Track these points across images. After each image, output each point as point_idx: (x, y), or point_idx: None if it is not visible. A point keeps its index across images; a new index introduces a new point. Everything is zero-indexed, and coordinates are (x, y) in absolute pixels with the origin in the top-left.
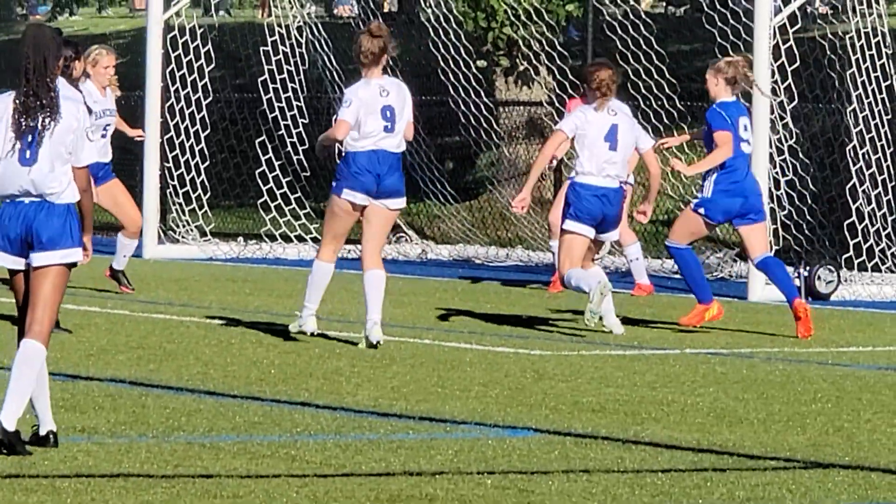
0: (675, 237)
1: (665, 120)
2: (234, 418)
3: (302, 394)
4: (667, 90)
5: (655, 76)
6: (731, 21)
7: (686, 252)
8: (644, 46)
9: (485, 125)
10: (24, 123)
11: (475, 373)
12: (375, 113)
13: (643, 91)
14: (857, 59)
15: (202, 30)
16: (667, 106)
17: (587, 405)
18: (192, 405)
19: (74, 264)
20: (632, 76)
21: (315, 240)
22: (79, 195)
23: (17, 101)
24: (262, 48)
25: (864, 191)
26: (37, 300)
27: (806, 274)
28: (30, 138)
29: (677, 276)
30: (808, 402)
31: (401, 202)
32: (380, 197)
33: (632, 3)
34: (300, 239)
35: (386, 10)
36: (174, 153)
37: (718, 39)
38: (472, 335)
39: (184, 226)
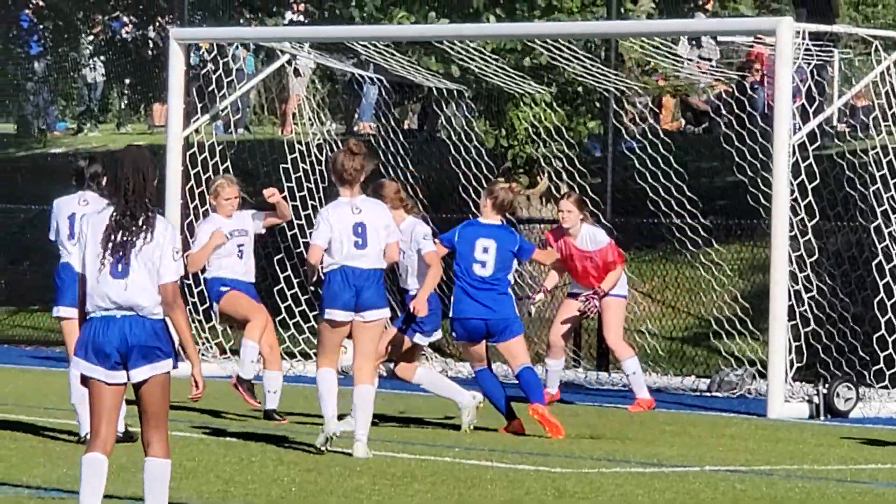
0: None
1: (690, 234)
2: None
3: None
4: (688, 206)
5: (675, 193)
6: (749, 141)
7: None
8: (662, 165)
9: None
10: (115, 239)
11: (496, 490)
12: (347, 231)
13: (663, 208)
14: (882, 175)
15: (221, 146)
16: (689, 221)
17: None
18: None
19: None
20: (650, 193)
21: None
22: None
23: (113, 218)
24: (281, 165)
25: (893, 305)
26: (148, 417)
27: (825, 391)
28: (120, 253)
29: (697, 392)
30: None
31: (378, 313)
32: (359, 311)
33: (650, 121)
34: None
35: (406, 126)
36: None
37: (736, 158)
38: (492, 453)
39: (203, 343)
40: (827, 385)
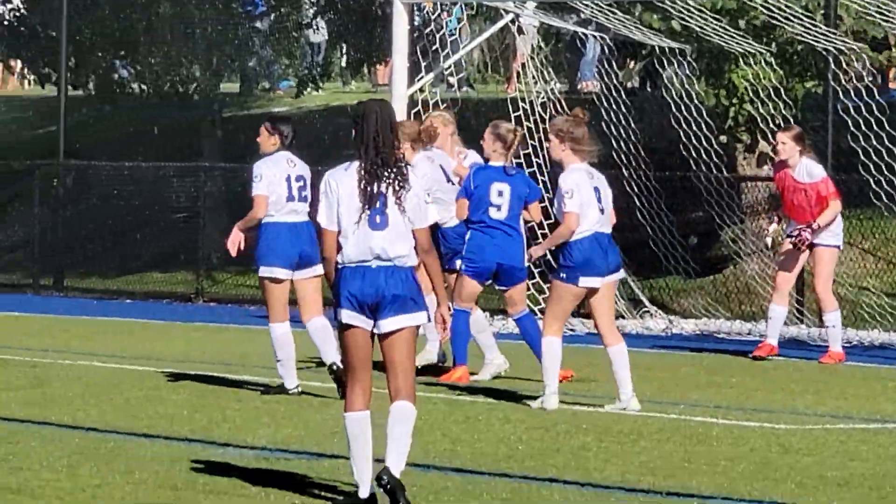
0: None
1: None
2: (482, 496)
3: (550, 470)
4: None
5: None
6: None
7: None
8: (887, 126)
9: (727, 200)
10: (372, 191)
11: (721, 447)
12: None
13: (885, 169)
14: None
15: (445, 105)
16: None
17: (832, 479)
18: (440, 483)
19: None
20: (871, 153)
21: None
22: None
23: (366, 171)
24: None
25: None
26: (395, 367)
27: None
28: (378, 205)
29: None
30: None
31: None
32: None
33: (867, 81)
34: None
35: (629, 86)
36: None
37: None
38: (717, 409)
39: None
40: None
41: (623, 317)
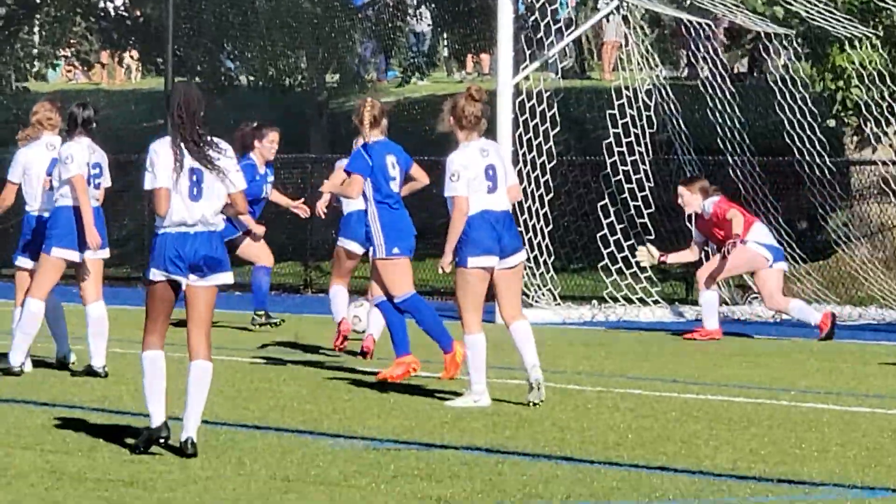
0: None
1: None
2: (592, 484)
3: (660, 458)
4: None
5: None
6: None
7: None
8: None
9: (834, 185)
10: (183, 162)
11: (832, 433)
12: (480, 175)
13: None
14: None
15: (548, 93)
16: None
17: None
18: (549, 471)
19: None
20: None
21: (655, 302)
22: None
23: (175, 145)
24: (608, 111)
25: None
26: (199, 323)
27: None
28: (190, 174)
29: None
30: None
31: (521, 256)
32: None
33: None
34: (642, 301)
35: (735, 71)
36: (523, 217)
37: None
38: (828, 395)
39: (536, 290)
40: None
41: (726, 303)
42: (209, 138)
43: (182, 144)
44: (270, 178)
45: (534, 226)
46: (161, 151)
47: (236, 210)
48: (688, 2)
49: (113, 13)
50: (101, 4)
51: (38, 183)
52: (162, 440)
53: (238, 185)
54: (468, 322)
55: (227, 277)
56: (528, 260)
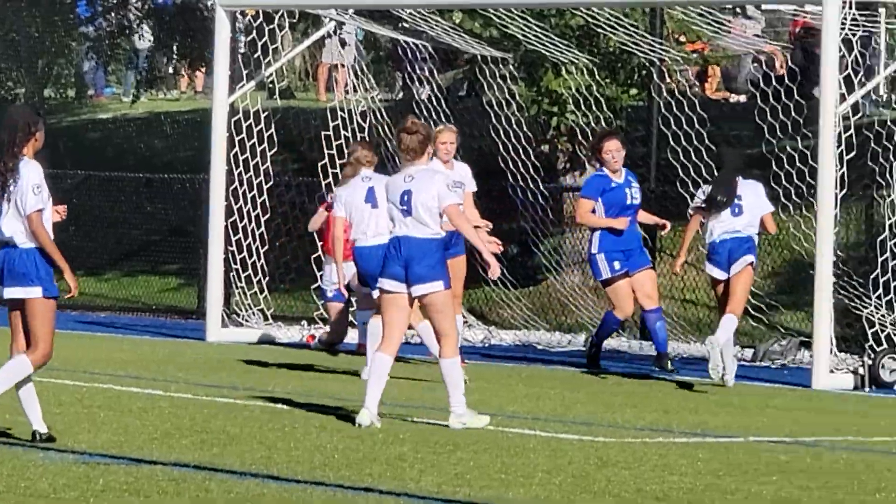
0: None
1: None
2: None
3: (366, 479)
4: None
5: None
6: (794, 114)
7: None
8: (703, 135)
9: (548, 210)
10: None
11: (539, 459)
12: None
13: (704, 174)
14: None
15: (266, 113)
16: None
17: (650, 493)
18: (256, 490)
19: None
20: (682, 158)
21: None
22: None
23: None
24: (323, 132)
25: None
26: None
27: (870, 362)
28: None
29: (741, 362)
30: (873, 492)
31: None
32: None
33: (690, 90)
34: (351, 325)
35: (451, 93)
36: (237, 237)
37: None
38: (535, 421)
39: (247, 309)
40: (872, 356)
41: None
42: (17, 162)
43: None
44: None
45: (248, 245)
46: None
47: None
48: (408, 23)
49: None
50: None
51: None
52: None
53: (28, 208)
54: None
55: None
56: (240, 279)
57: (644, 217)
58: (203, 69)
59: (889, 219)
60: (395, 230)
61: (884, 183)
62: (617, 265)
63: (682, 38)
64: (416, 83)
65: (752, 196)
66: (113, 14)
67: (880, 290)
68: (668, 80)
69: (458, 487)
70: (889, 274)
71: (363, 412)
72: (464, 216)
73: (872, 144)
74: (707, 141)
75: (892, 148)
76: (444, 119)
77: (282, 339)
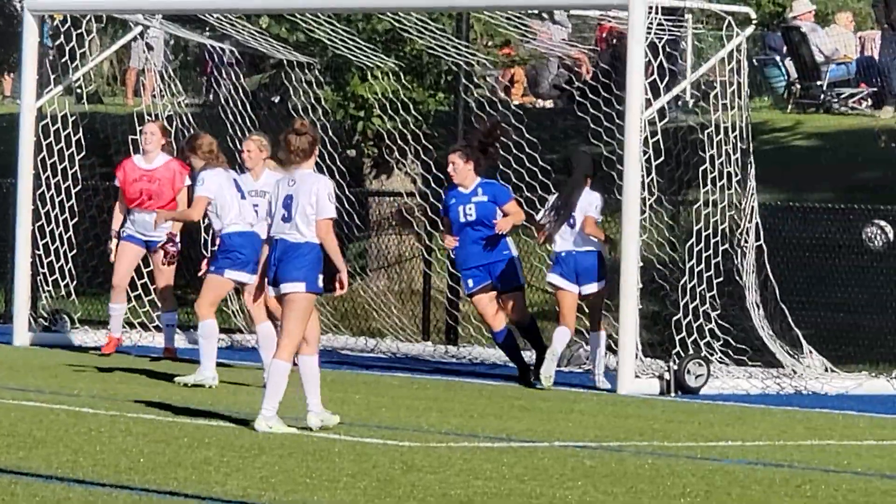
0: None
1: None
2: None
3: (171, 483)
4: (526, 179)
5: (528, 165)
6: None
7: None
8: (514, 138)
9: (353, 214)
10: None
11: (344, 463)
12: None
13: (514, 180)
14: (711, 155)
15: (74, 118)
16: (540, 194)
17: (455, 497)
18: (62, 493)
19: None
20: (501, 167)
21: (157, 328)
22: None
23: None
24: (131, 137)
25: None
26: None
27: (676, 367)
28: None
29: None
30: (678, 497)
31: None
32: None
33: (497, 95)
34: (157, 329)
35: (257, 97)
36: (44, 241)
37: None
38: (340, 426)
39: (54, 313)
40: (678, 361)
41: (241, 331)
42: None
43: None
44: None
45: (56, 249)
46: None
47: None
48: (215, 27)
49: None
50: None
51: None
52: None
53: None
54: None
55: None
56: (47, 283)
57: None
58: (10, 74)
59: (696, 224)
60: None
61: (689, 188)
62: (471, 283)
63: (490, 42)
64: (223, 88)
65: (584, 203)
66: None
67: (687, 297)
68: (474, 83)
69: (263, 491)
70: (696, 279)
71: (259, 419)
72: (332, 233)
73: (678, 149)
74: (514, 148)
75: (697, 153)
76: (249, 124)
77: (88, 342)
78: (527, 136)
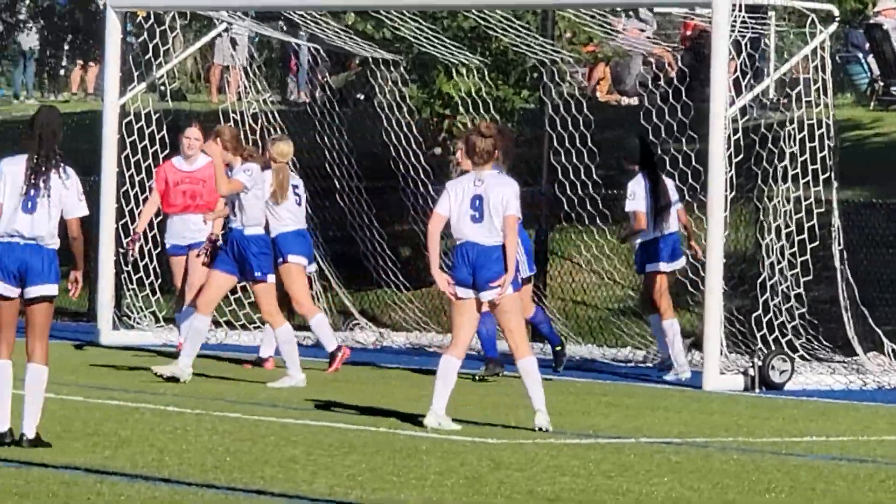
0: None
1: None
2: None
3: (258, 481)
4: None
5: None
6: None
7: None
8: (596, 136)
9: None
10: (35, 179)
11: (431, 461)
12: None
13: (597, 179)
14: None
15: (157, 115)
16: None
17: (542, 494)
18: (147, 493)
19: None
20: (574, 160)
21: (257, 327)
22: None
23: (30, 162)
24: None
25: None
26: (35, 329)
27: (760, 364)
28: (33, 192)
29: (632, 364)
30: (763, 492)
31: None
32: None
33: (579, 93)
34: (243, 327)
35: (341, 95)
36: (128, 239)
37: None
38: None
39: (138, 312)
40: (762, 357)
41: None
42: (58, 163)
43: (35, 164)
44: None
45: (140, 247)
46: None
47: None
48: (299, 25)
49: None
50: None
51: None
52: (7, 444)
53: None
54: None
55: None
56: (132, 282)
57: None
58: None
59: (775, 221)
60: (462, 235)
61: (770, 186)
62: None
63: (574, 40)
64: (308, 86)
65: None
66: (0, 14)
67: (768, 293)
68: (558, 81)
69: (350, 489)
70: (777, 276)
71: (430, 415)
72: (515, 231)
73: (758, 147)
74: (590, 143)
75: (776, 151)
76: (337, 121)
77: (172, 340)
78: (608, 136)
